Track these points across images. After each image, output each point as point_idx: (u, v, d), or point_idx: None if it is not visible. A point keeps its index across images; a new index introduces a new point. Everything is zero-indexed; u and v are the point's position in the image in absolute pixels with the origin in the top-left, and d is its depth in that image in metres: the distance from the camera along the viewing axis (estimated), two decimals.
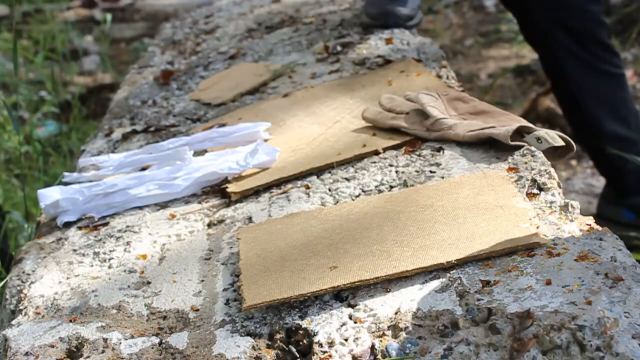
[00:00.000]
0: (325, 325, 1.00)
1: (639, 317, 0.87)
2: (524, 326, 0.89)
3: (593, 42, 2.12)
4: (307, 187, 1.37)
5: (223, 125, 1.68)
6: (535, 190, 1.18)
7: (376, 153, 1.42)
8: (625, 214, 2.24)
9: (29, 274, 1.29)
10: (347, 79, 1.80)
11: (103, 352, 1.04)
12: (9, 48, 3.89)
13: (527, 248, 1.03)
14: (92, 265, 1.28)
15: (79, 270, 1.27)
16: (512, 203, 1.13)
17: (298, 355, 1.00)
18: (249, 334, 1.03)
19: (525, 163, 1.25)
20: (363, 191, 1.32)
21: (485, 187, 1.19)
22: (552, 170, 1.22)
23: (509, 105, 3.01)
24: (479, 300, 0.96)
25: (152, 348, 1.04)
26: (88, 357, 1.04)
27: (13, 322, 1.16)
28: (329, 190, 1.34)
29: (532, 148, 1.28)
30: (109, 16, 3.41)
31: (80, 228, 1.41)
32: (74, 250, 1.33)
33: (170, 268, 1.23)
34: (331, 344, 0.97)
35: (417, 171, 1.32)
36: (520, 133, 1.32)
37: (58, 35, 3.82)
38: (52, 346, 1.09)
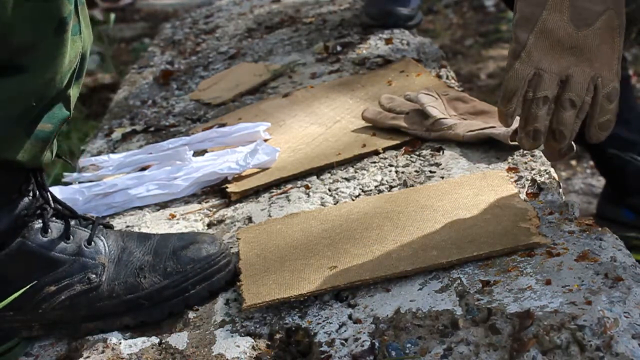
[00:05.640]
0: (325, 325, 1.00)
1: (639, 317, 0.87)
2: (524, 326, 0.89)
3: None
4: (307, 187, 1.37)
5: (223, 125, 1.68)
6: (535, 190, 1.18)
7: (376, 153, 1.42)
8: (625, 214, 2.24)
9: None
10: (347, 79, 1.80)
11: (103, 352, 1.04)
12: None
13: (527, 248, 1.03)
14: None
15: None
16: (512, 203, 1.13)
17: (298, 355, 1.00)
18: (248, 334, 1.03)
19: (525, 163, 1.25)
20: (363, 191, 1.32)
21: (485, 187, 1.19)
22: (552, 170, 1.22)
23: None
24: (479, 300, 0.96)
25: (152, 348, 1.04)
26: (88, 357, 1.04)
27: None
28: (329, 190, 1.34)
29: None
30: (112, 16, 3.40)
31: None
32: None
33: None
34: (331, 344, 0.97)
35: (417, 171, 1.32)
36: None
37: None
38: (52, 346, 1.09)
